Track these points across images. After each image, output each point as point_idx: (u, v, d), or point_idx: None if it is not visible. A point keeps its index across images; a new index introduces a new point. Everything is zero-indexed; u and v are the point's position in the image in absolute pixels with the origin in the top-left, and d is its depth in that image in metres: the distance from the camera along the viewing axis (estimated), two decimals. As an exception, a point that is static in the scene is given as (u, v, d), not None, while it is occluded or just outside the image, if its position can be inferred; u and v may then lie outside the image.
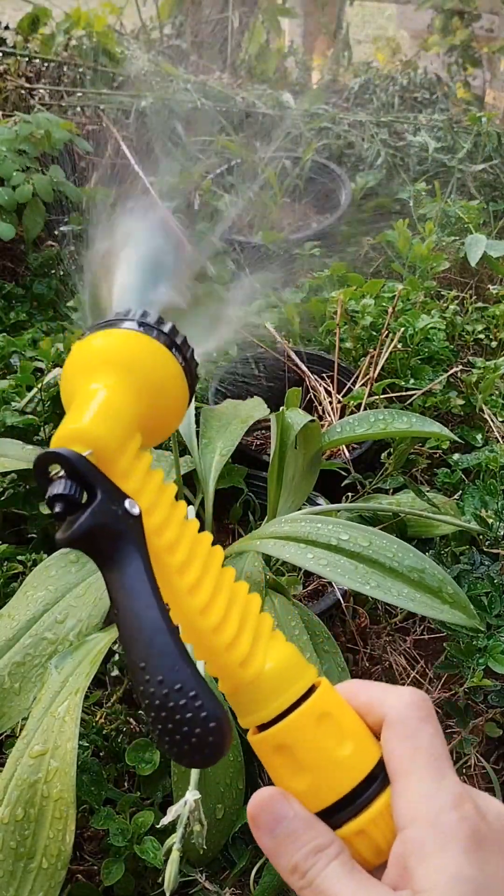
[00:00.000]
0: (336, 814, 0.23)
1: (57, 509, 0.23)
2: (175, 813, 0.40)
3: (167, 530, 0.24)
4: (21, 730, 0.45)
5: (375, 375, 0.82)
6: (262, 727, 0.23)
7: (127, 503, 0.23)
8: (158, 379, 0.26)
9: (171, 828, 0.41)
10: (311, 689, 0.24)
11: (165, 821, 0.40)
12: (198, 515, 0.65)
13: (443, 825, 0.21)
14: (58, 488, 0.23)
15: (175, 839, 0.40)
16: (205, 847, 0.41)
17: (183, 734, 0.21)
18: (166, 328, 0.27)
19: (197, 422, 0.73)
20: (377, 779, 0.23)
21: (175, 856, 0.40)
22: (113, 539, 0.23)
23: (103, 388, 0.25)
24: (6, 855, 0.41)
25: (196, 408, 0.76)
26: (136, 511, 0.23)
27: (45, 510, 0.65)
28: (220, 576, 0.25)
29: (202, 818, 0.40)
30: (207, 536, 0.26)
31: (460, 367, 0.92)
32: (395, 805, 0.22)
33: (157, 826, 0.47)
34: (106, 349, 0.26)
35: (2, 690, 0.47)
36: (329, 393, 0.85)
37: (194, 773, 0.43)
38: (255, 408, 0.73)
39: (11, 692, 0.47)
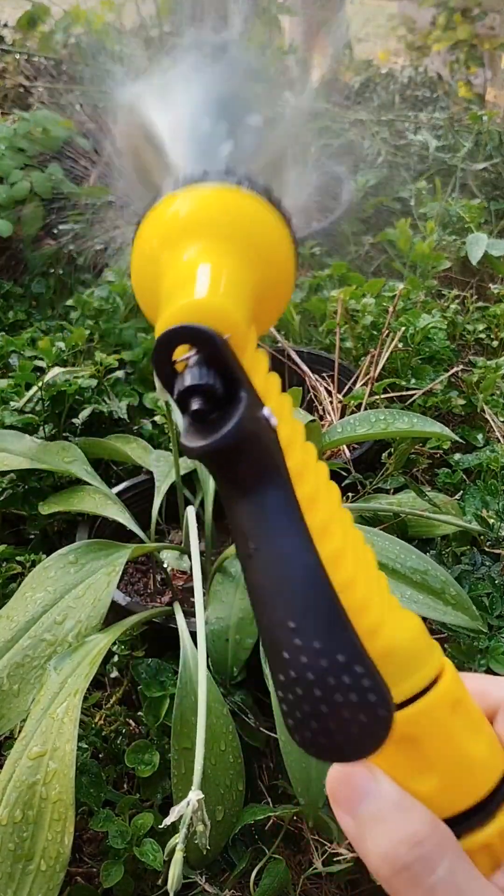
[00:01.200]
0: (457, 825, 0.19)
1: (195, 406, 0.17)
2: (178, 813, 0.40)
3: (293, 452, 0.19)
4: (20, 731, 0.45)
5: (376, 375, 0.82)
6: None
7: (265, 410, 0.18)
8: (268, 246, 0.20)
9: (171, 830, 0.41)
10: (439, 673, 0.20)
11: (168, 821, 0.40)
12: (198, 515, 0.65)
13: None
14: (195, 377, 0.17)
15: (178, 840, 0.39)
16: (208, 847, 0.40)
17: (340, 722, 0.17)
18: (263, 185, 0.21)
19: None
20: None
21: (178, 856, 0.39)
22: (258, 457, 0.18)
23: (213, 257, 0.19)
24: (4, 857, 0.41)
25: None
26: (274, 423, 0.18)
27: (45, 510, 0.65)
28: (343, 517, 0.20)
29: (205, 819, 0.40)
30: (325, 466, 0.20)
31: (461, 366, 0.92)
32: None
33: (159, 827, 0.46)
34: (212, 211, 0.20)
35: (0, 692, 0.47)
36: (329, 392, 0.84)
37: (197, 774, 0.42)
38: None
39: (10, 694, 0.47)
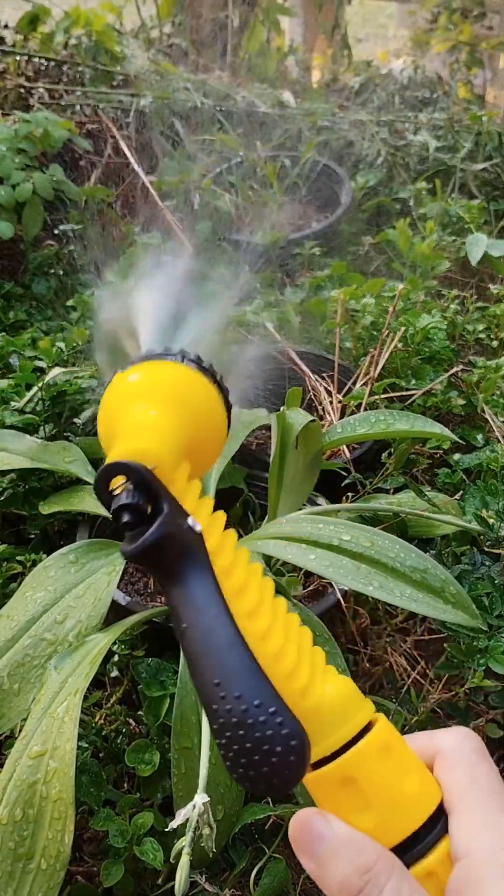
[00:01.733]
0: (402, 854, 0.22)
1: (125, 519, 0.23)
2: (184, 816, 0.40)
3: (222, 554, 0.24)
4: (20, 730, 0.45)
5: (376, 375, 0.82)
6: (320, 763, 0.22)
7: (189, 520, 0.23)
8: (205, 411, 0.27)
9: (172, 829, 0.41)
10: (369, 723, 0.23)
11: (174, 824, 0.40)
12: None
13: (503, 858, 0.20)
14: (124, 498, 0.23)
15: (184, 842, 0.39)
16: (214, 850, 0.40)
17: (262, 754, 0.20)
18: (207, 365, 0.28)
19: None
20: (441, 817, 0.22)
21: (185, 860, 0.39)
22: (179, 553, 0.23)
23: (157, 414, 0.26)
24: (5, 855, 0.41)
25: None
26: (198, 528, 0.23)
27: (45, 510, 0.65)
28: (274, 603, 0.25)
29: (211, 821, 0.40)
30: (258, 565, 0.26)
31: (461, 366, 0.92)
32: (453, 835, 0.22)
33: (165, 829, 0.47)
34: (156, 380, 0.27)
35: (1, 691, 0.47)
36: (329, 393, 0.84)
37: (202, 776, 0.42)
38: (257, 415, 0.73)
39: (11, 693, 0.47)
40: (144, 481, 0.23)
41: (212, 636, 0.22)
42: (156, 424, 0.25)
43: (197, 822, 0.39)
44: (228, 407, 0.29)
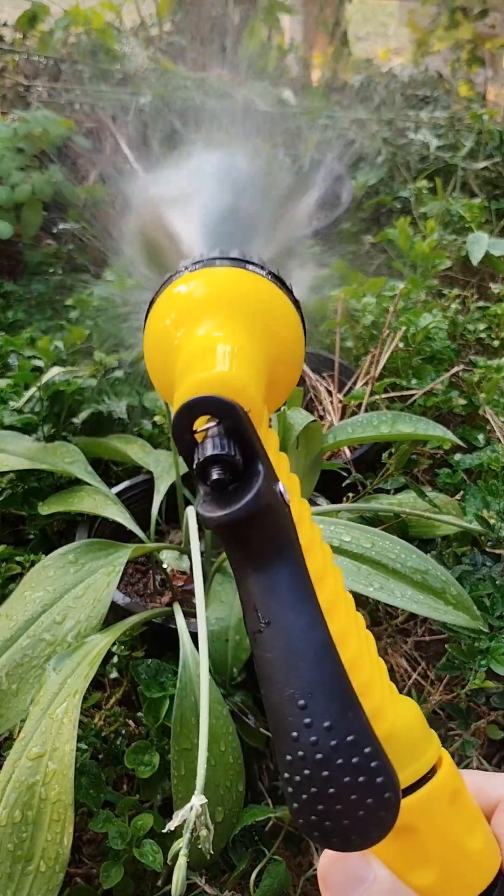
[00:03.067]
0: None
1: (215, 476, 0.17)
2: (181, 818, 0.40)
3: (303, 529, 0.19)
4: (19, 732, 0.45)
5: (377, 375, 0.82)
6: None
7: (280, 486, 0.18)
8: (279, 325, 0.21)
9: (171, 831, 0.41)
10: (437, 761, 0.19)
11: (171, 825, 0.39)
12: (198, 515, 0.64)
13: None
14: (217, 447, 0.17)
15: (181, 844, 0.39)
16: (212, 852, 0.40)
17: (347, 804, 0.16)
18: (272, 269, 0.21)
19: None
20: (500, 880, 0.19)
21: (182, 861, 0.39)
22: (272, 529, 0.18)
23: (230, 334, 0.19)
24: (4, 857, 0.41)
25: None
26: (288, 498, 0.18)
27: (44, 510, 0.65)
28: (347, 597, 0.20)
29: (209, 823, 0.40)
30: (329, 548, 0.21)
31: (462, 366, 0.92)
32: None
33: (162, 830, 0.46)
34: (219, 289, 0.20)
35: (0, 692, 0.47)
36: (330, 392, 0.84)
37: (200, 778, 0.42)
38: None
39: (9, 693, 0.47)
40: (239, 427, 0.17)
41: (301, 643, 0.17)
42: (239, 349, 0.19)
43: (194, 823, 0.39)
44: (304, 325, 0.22)
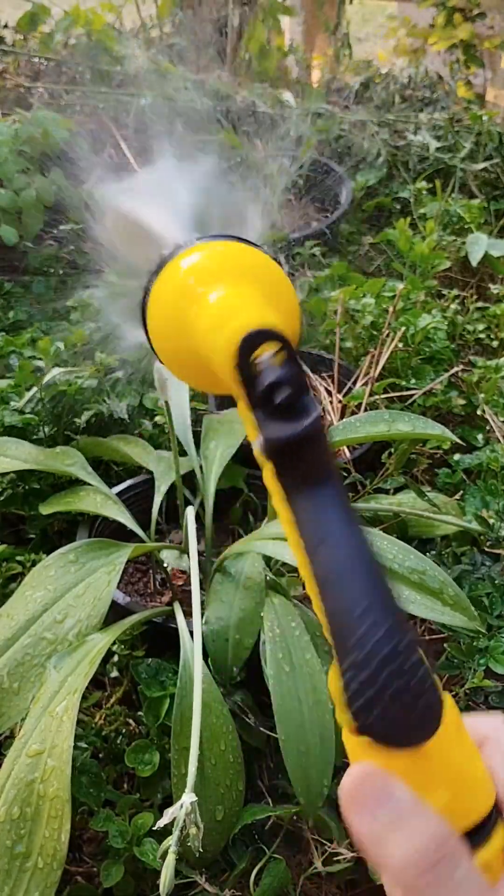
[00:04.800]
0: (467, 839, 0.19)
1: (282, 397, 0.19)
2: (171, 815, 0.40)
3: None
4: (19, 729, 0.45)
5: (376, 375, 0.82)
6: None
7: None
8: (278, 285, 0.23)
9: (170, 830, 0.41)
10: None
11: (162, 823, 0.40)
12: (197, 516, 0.65)
13: None
14: (281, 372, 0.19)
15: (170, 842, 0.39)
16: (201, 850, 0.40)
17: (403, 705, 0.18)
18: (266, 250, 0.24)
19: (197, 424, 0.73)
20: (495, 806, 0.20)
21: (171, 859, 0.39)
22: (324, 451, 0.20)
23: (247, 294, 0.22)
24: (2, 854, 0.41)
25: (198, 412, 0.76)
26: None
27: (45, 510, 0.65)
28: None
29: (198, 821, 0.40)
30: None
31: (461, 366, 0.92)
32: None
33: (156, 828, 0.47)
34: (222, 259, 0.23)
35: (1, 690, 0.47)
36: (329, 392, 0.84)
37: (191, 776, 0.42)
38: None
39: (10, 691, 0.47)
40: (294, 357, 0.19)
41: (356, 556, 0.19)
42: (267, 305, 0.21)
43: (184, 821, 0.39)
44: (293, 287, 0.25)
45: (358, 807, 0.19)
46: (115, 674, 0.59)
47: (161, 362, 0.26)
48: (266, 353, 0.20)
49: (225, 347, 0.20)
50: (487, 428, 0.86)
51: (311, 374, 0.86)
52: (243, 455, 0.77)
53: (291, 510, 0.20)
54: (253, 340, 0.20)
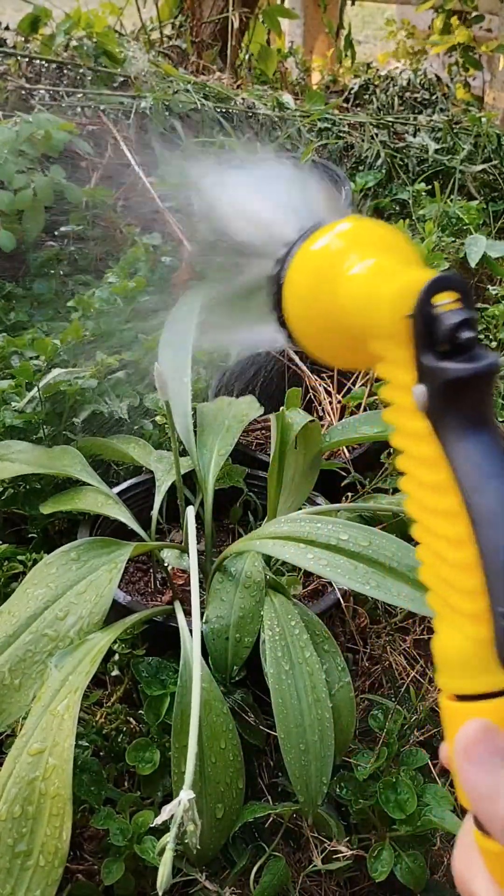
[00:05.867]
0: None
1: (465, 336, 0.21)
2: (169, 812, 0.40)
3: None
4: (20, 728, 0.45)
5: (376, 375, 0.82)
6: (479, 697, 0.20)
7: None
8: (416, 256, 0.26)
9: (170, 827, 0.41)
10: None
11: (160, 820, 0.40)
12: (198, 515, 0.65)
13: None
14: (466, 312, 0.21)
15: (168, 839, 0.40)
16: (199, 847, 0.41)
17: None
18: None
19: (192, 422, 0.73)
20: None
21: (168, 856, 0.39)
22: (491, 393, 0.21)
23: (396, 258, 0.24)
24: (3, 852, 0.41)
25: (192, 406, 0.76)
26: None
27: (46, 509, 0.65)
28: None
29: (196, 818, 0.40)
30: None
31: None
32: None
33: (156, 826, 0.47)
34: (365, 231, 0.26)
35: (2, 687, 0.47)
36: (329, 393, 0.85)
37: (189, 773, 0.43)
38: (250, 405, 0.72)
39: (12, 688, 0.47)
40: (471, 301, 0.22)
41: None
42: (417, 265, 0.24)
43: (182, 818, 0.39)
44: None
45: (475, 760, 0.19)
46: (115, 672, 0.59)
47: (296, 343, 0.27)
48: (446, 299, 0.22)
49: (394, 300, 0.22)
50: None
51: (311, 375, 0.86)
52: (243, 455, 0.77)
53: (446, 451, 0.21)
54: (438, 285, 0.21)
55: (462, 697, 0.21)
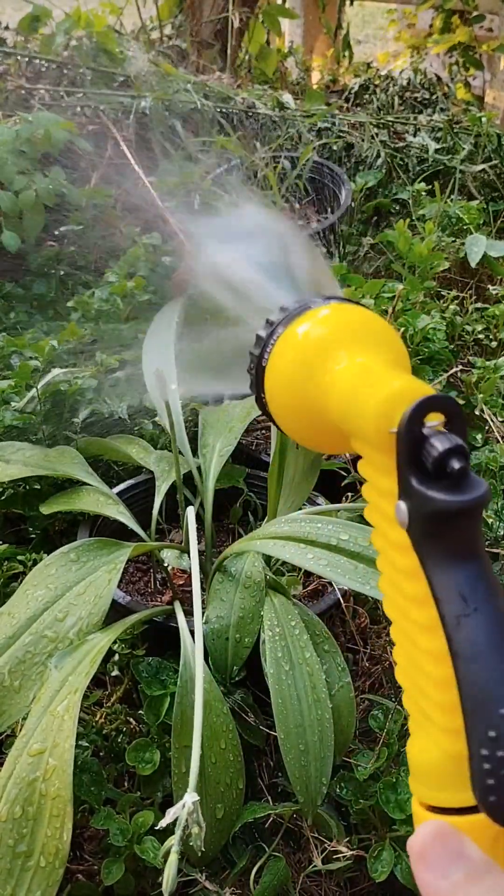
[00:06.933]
0: None
1: (458, 465, 0.19)
2: (173, 815, 0.40)
3: None
4: (20, 728, 0.45)
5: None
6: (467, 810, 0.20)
7: None
8: (400, 347, 0.24)
9: (170, 828, 0.41)
10: None
11: (164, 822, 0.40)
12: (198, 515, 0.65)
13: None
14: (455, 440, 0.19)
15: (173, 841, 0.40)
16: (203, 849, 0.41)
17: None
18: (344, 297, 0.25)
19: (194, 424, 0.73)
20: None
21: (173, 858, 0.40)
22: (480, 523, 0.20)
23: (381, 358, 0.23)
24: (4, 853, 0.41)
25: (194, 410, 0.76)
26: None
27: (46, 510, 0.65)
28: None
29: (200, 820, 0.40)
30: None
31: (460, 367, 0.92)
32: None
33: (157, 827, 0.47)
34: (361, 320, 0.24)
35: (2, 688, 0.47)
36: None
37: (193, 775, 0.43)
38: (252, 405, 0.72)
39: (12, 690, 0.47)
40: (463, 425, 0.20)
41: (502, 634, 0.19)
42: (400, 366, 0.23)
43: (186, 820, 0.39)
44: None
45: (429, 864, 0.20)
46: (115, 672, 0.59)
47: (274, 423, 0.26)
48: (435, 420, 0.20)
49: (379, 412, 0.20)
50: (486, 428, 0.86)
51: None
52: (243, 455, 0.77)
53: (428, 576, 0.20)
54: (428, 406, 0.20)
55: (432, 808, 0.20)
